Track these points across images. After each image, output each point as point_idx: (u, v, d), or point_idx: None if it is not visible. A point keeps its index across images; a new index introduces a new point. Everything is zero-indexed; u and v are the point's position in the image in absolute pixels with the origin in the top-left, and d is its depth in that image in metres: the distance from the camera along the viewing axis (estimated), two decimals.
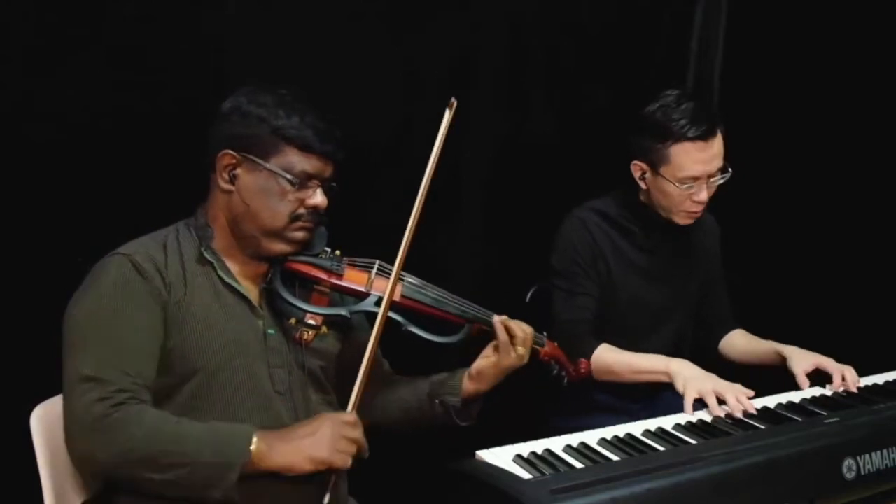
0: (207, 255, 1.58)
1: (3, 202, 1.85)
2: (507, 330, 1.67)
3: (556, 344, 1.83)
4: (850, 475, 1.58)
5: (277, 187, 1.57)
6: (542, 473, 1.48)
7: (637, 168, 2.12)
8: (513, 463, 1.53)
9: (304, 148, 1.57)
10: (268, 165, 1.56)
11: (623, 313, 2.19)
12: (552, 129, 2.62)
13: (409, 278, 1.67)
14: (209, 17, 2.03)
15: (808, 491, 1.55)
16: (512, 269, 2.48)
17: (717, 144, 2.03)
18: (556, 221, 2.21)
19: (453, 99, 1.58)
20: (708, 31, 2.90)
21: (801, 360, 2.07)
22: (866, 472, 1.60)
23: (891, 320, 2.72)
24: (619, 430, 1.71)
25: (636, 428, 1.73)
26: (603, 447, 1.63)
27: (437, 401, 1.71)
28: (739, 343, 2.30)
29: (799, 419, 1.79)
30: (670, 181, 2.03)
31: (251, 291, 1.62)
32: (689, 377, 1.92)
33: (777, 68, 2.87)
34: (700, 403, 1.86)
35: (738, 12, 2.89)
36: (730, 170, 2.07)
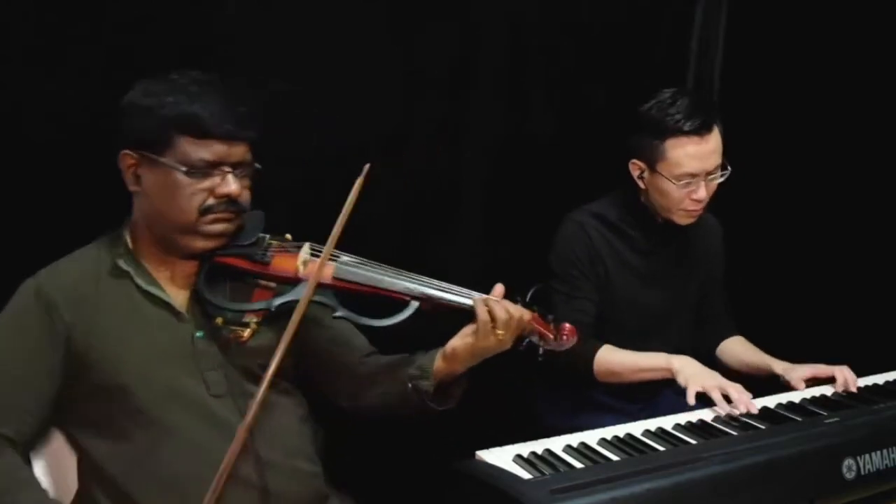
0: (122, 265, 1.52)
1: (2, 202, 1.85)
2: (490, 311, 1.51)
3: (532, 311, 1.60)
4: (850, 475, 1.58)
5: (177, 181, 1.47)
6: (542, 473, 1.48)
7: (635, 167, 2.12)
8: (513, 463, 1.53)
9: (198, 134, 1.47)
10: (163, 160, 1.47)
11: (623, 316, 2.18)
12: (552, 130, 2.62)
13: (344, 256, 1.57)
14: (209, 17, 2.03)
15: (808, 491, 1.55)
16: (512, 269, 2.48)
17: (713, 140, 2.02)
18: (556, 221, 2.21)
19: (367, 166, 1.54)
20: (708, 31, 2.89)
21: (797, 370, 2.07)
22: (866, 472, 1.60)
23: (891, 320, 2.72)
24: (619, 430, 1.71)
25: (636, 428, 1.73)
26: (603, 447, 1.63)
27: (409, 384, 1.56)
28: (736, 351, 2.29)
29: (799, 419, 1.79)
30: (667, 178, 2.03)
31: (179, 295, 1.55)
32: (691, 373, 1.92)
33: (777, 68, 2.87)
34: (702, 398, 1.86)
35: (738, 12, 2.90)
36: (729, 168, 2.06)
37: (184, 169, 1.47)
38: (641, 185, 2.13)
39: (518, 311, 1.52)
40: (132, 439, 1.47)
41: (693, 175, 2.02)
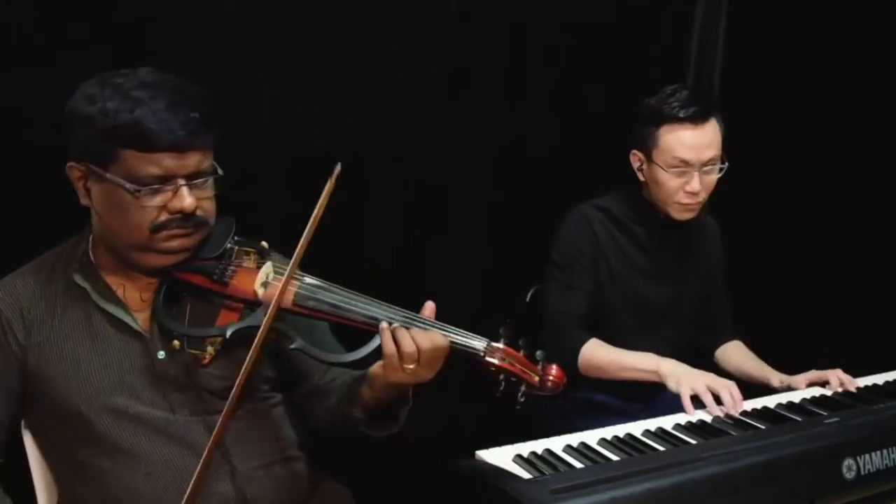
0: (79, 281, 1.42)
1: (3, 204, 1.85)
2: (395, 341, 1.35)
3: (511, 349, 1.42)
4: (850, 475, 1.58)
5: (123, 199, 1.34)
6: (542, 473, 1.48)
7: (635, 158, 2.13)
8: (513, 463, 1.53)
9: (144, 147, 1.31)
10: (108, 176, 1.34)
11: (623, 312, 2.19)
12: (552, 129, 2.63)
13: (309, 279, 1.44)
14: (210, 18, 2.03)
15: (808, 491, 1.54)
16: (512, 269, 2.48)
17: (709, 131, 2.03)
18: (557, 221, 2.21)
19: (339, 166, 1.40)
20: (708, 30, 2.90)
21: (794, 381, 2.08)
22: (866, 472, 1.60)
23: (890, 320, 2.72)
24: (619, 430, 1.71)
25: (636, 428, 1.73)
26: (603, 447, 1.63)
27: (345, 413, 1.50)
28: (734, 357, 2.28)
29: (799, 419, 1.79)
30: (661, 167, 2.04)
31: (139, 313, 1.44)
32: (681, 375, 1.92)
33: (777, 68, 2.87)
34: (698, 402, 1.87)
35: (738, 12, 2.90)
36: (726, 163, 2.07)
37: (129, 186, 1.33)
38: (641, 177, 2.14)
39: (430, 343, 1.34)
40: (99, 467, 1.40)
41: (686, 163, 2.02)
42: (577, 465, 1.54)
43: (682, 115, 2.01)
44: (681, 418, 1.80)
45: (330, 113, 1.65)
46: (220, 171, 1.42)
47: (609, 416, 2.07)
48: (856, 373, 2.08)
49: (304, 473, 1.57)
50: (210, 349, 1.41)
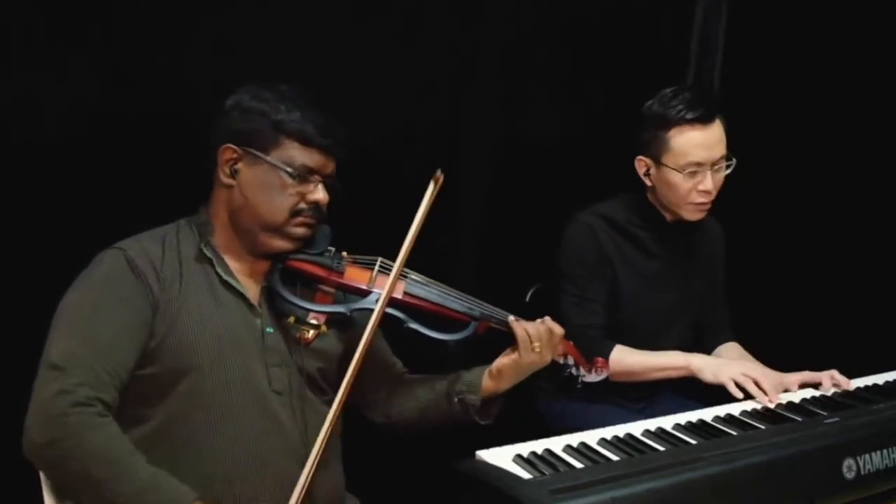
0: (206, 252, 1.58)
1: (7, 205, 1.85)
2: (524, 329, 1.68)
3: (570, 342, 1.78)
4: (850, 475, 1.58)
5: (278, 181, 1.57)
6: (542, 473, 1.48)
7: (641, 164, 2.12)
8: (513, 463, 1.53)
9: (305, 142, 1.58)
10: (268, 159, 1.57)
11: (628, 318, 2.18)
12: (552, 130, 2.63)
13: (413, 275, 1.66)
14: (210, 18, 2.04)
15: (808, 491, 1.54)
16: (512, 269, 2.48)
17: (717, 129, 2.05)
18: (556, 221, 2.21)
19: (440, 173, 1.54)
20: (708, 31, 2.90)
21: (786, 378, 2.07)
22: (866, 472, 1.60)
23: (890, 320, 2.72)
24: (619, 430, 1.71)
25: (636, 428, 1.73)
26: (603, 447, 1.63)
27: (455, 399, 1.70)
28: (729, 357, 2.27)
29: (799, 419, 1.79)
30: (673, 169, 2.04)
31: (251, 289, 1.61)
32: (716, 366, 1.98)
33: (777, 68, 2.87)
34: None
35: (738, 12, 2.90)
36: (734, 159, 2.07)
37: (289, 170, 1.57)
38: (648, 182, 2.13)
39: (545, 327, 1.69)
40: (192, 424, 1.50)
41: (699, 164, 2.03)
42: (577, 465, 1.54)
43: (689, 116, 2.01)
44: (681, 418, 1.80)
45: (334, 110, 1.67)
46: (337, 183, 1.65)
47: (609, 415, 2.07)
48: (856, 373, 2.07)
49: (343, 484, 1.70)
50: (322, 327, 1.62)
